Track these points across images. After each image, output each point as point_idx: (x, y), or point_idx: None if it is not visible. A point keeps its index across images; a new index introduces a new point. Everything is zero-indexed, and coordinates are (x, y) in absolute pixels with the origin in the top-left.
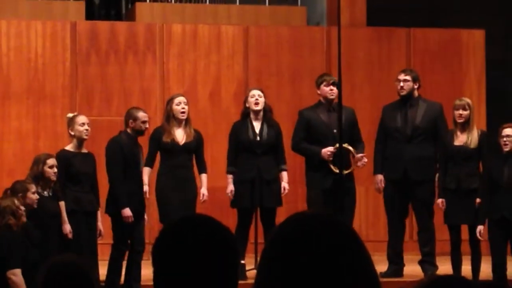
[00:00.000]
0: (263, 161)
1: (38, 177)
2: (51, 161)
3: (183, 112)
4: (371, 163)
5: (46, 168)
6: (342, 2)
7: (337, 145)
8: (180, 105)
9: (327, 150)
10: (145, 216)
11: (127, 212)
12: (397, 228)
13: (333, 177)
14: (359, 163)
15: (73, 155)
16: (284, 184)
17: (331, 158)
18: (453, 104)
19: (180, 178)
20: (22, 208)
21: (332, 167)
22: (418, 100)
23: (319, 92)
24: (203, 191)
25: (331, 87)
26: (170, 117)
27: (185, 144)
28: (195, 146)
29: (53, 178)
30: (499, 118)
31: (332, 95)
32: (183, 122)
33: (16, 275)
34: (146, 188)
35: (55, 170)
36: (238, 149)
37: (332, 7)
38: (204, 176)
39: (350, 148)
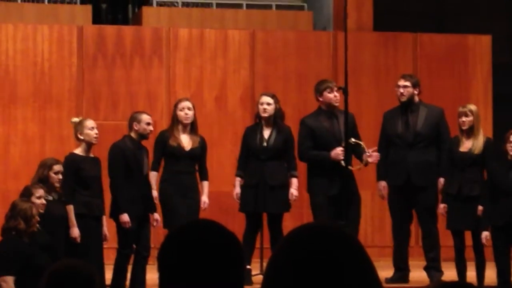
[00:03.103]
0: (269, 166)
1: (43, 180)
2: (57, 167)
3: (186, 118)
4: (375, 168)
5: (51, 174)
6: (349, 6)
7: (344, 143)
8: (183, 110)
9: (337, 150)
10: (157, 216)
11: (124, 217)
12: (402, 234)
13: (340, 182)
14: (370, 160)
15: (82, 159)
16: (292, 190)
17: (342, 157)
18: (457, 111)
19: (184, 184)
20: (37, 218)
21: (344, 164)
22: (418, 105)
23: (321, 99)
24: (204, 198)
25: (335, 93)
26: (175, 122)
27: (190, 150)
28: (200, 153)
29: (57, 184)
30: (506, 123)
31: (337, 101)
32: (189, 127)
33: (7, 282)
34: (155, 193)
35: (60, 176)
36: (248, 154)
37: (339, 11)
38: (205, 184)
39: (360, 142)
